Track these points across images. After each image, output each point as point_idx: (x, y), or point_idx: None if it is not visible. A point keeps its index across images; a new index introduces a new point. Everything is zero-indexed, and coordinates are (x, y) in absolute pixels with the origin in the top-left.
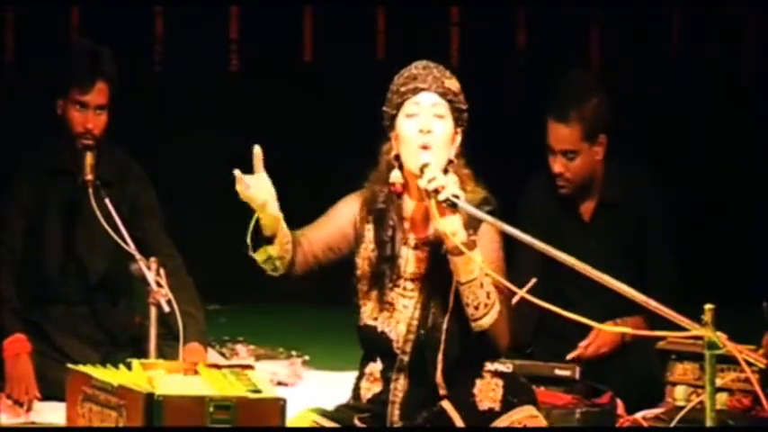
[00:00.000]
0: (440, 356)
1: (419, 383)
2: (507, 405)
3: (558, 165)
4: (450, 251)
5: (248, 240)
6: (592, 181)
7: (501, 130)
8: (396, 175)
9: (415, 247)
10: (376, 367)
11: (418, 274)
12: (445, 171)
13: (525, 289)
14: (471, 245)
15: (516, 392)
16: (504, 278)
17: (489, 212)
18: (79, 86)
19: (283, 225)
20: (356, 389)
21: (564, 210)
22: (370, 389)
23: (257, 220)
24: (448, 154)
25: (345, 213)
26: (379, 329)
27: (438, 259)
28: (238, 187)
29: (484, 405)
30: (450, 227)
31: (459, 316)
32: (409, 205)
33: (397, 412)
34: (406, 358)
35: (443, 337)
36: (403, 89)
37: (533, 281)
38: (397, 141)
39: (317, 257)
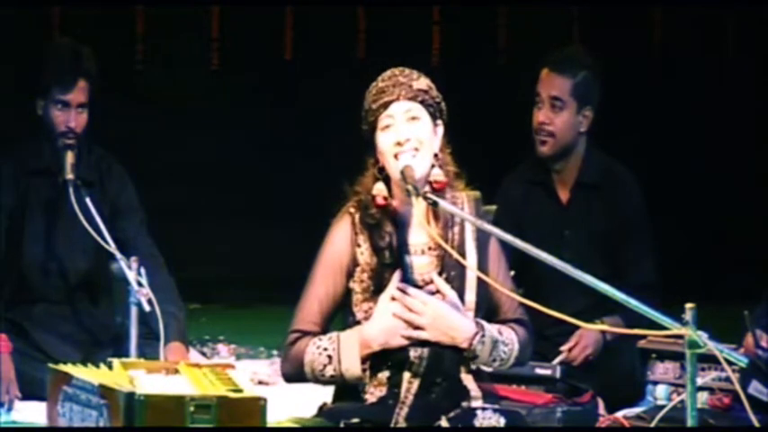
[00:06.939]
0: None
1: (431, 386)
2: None
3: (542, 114)
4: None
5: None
6: (571, 154)
7: (481, 130)
8: (378, 188)
9: (415, 254)
10: (382, 374)
11: (425, 281)
12: (432, 165)
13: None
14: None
15: None
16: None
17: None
18: (61, 86)
19: None
20: (353, 393)
21: (542, 194)
22: (374, 393)
23: None
24: (431, 150)
25: (338, 250)
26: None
27: (442, 262)
28: None
29: None
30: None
31: (477, 314)
32: (402, 214)
33: (404, 413)
34: (423, 363)
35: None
36: (374, 106)
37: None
38: (378, 155)
39: (330, 318)
